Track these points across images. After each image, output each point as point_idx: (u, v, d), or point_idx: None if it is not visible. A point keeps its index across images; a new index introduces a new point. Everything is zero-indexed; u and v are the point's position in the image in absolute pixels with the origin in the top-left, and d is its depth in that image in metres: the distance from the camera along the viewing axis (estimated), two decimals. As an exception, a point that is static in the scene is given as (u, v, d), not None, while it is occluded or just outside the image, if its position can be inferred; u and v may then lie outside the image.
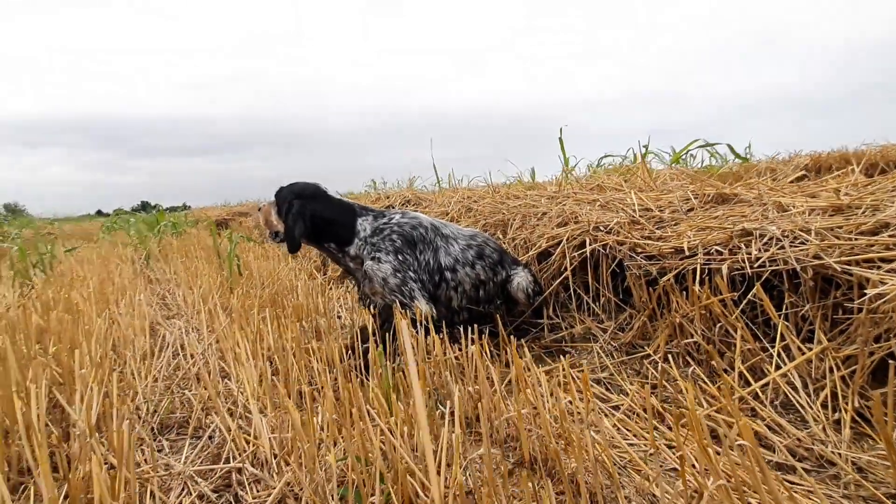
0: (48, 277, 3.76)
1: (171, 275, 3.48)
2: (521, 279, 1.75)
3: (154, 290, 3.07)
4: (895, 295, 1.08)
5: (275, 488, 0.99)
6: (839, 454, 1.03)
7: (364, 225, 1.64)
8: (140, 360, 1.65)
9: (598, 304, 1.80)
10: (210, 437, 1.21)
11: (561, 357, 1.70)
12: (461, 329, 1.32)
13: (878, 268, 1.19)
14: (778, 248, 1.33)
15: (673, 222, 1.73)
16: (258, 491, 0.99)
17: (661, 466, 1.05)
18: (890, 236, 1.23)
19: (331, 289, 2.75)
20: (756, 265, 1.32)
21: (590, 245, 1.72)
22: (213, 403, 1.28)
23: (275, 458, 1.03)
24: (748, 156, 4.25)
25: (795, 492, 0.90)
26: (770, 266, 1.31)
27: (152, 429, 1.29)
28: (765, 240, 1.37)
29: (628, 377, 1.50)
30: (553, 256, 1.91)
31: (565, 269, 1.82)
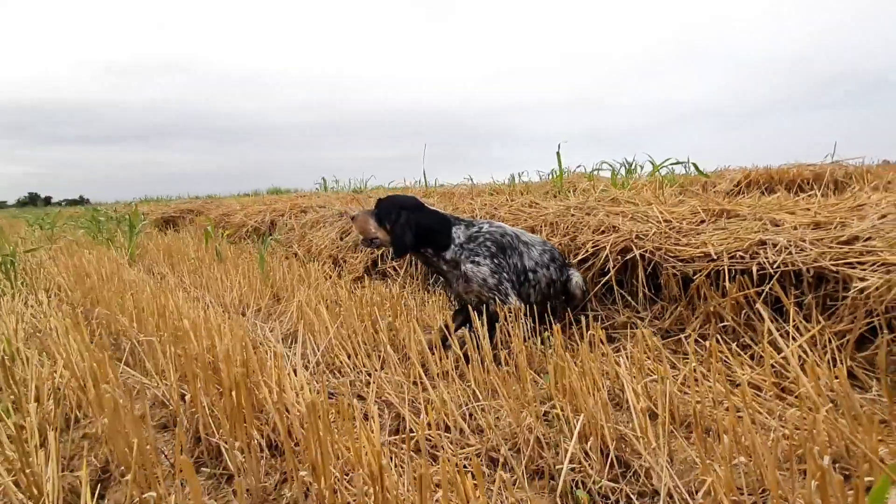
0: (27, 282, 3.51)
1: (178, 278, 3.42)
2: (577, 278, 2.11)
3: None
4: (873, 287, 1.57)
5: (472, 446, 1.25)
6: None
7: (458, 233, 1.90)
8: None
9: (634, 298, 2.21)
10: (380, 414, 1.43)
11: (611, 342, 2.09)
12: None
13: (855, 268, 1.69)
14: (787, 255, 1.80)
15: (694, 232, 2.18)
16: (458, 448, 1.25)
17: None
18: (862, 246, 1.74)
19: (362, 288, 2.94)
20: (775, 267, 1.78)
21: (636, 251, 2.12)
22: (364, 388, 1.50)
23: (465, 422, 1.29)
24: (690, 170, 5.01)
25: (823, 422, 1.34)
26: (783, 268, 1.78)
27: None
28: (776, 248, 1.84)
29: (673, 355, 1.91)
30: (593, 260, 2.29)
31: (608, 270, 2.21)
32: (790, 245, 1.82)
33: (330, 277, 3.35)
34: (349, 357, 1.80)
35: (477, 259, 1.85)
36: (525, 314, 1.84)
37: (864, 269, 1.66)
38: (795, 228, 1.97)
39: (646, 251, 2.13)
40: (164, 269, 3.62)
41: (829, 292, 1.74)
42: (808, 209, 2.21)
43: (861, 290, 1.60)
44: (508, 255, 1.91)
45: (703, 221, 2.29)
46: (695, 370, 1.68)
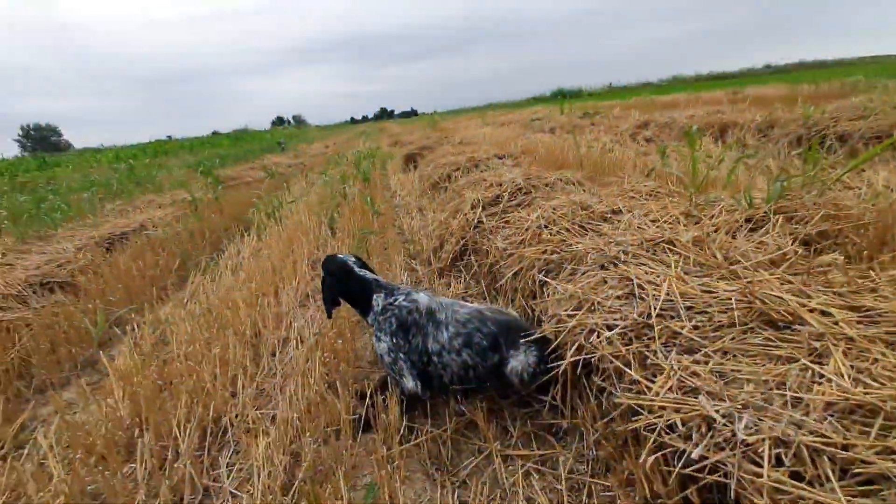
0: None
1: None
2: (516, 363, 1.79)
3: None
4: None
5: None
6: None
7: (378, 301, 1.92)
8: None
9: (594, 396, 1.73)
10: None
11: (547, 442, 1.78)
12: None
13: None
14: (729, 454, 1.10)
15: (687, 346, 1.47)
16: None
17: None
18: None
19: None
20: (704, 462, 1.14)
21: (577, 353, 1.64)
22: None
23: None
24: None
25: None
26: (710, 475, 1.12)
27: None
28: (725, 429, 1.13)
29: (595, 492, 1.53)
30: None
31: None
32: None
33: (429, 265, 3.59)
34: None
35: (379, 334, 1.86)
36: (422, 396, 1.81)
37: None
38: (818, 411, 1.11)
39: (595, 356, 1.60)
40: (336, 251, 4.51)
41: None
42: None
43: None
44: (412, 335, 1.83)
45: (722, 327, 1.48)
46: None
